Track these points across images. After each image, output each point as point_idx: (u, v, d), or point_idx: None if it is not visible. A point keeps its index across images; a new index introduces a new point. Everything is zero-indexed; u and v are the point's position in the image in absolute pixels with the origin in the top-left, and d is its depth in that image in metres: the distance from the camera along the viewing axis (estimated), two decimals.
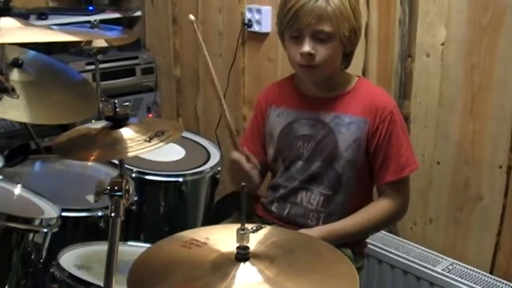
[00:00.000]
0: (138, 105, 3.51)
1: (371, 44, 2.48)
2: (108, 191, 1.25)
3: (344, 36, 1.82)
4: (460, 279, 2.22)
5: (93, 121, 2.58)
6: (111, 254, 1.22)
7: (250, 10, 2.95)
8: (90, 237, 1.99)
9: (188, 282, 1.23)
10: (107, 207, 2.05)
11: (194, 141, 2.69)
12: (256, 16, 2.92)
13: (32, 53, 2.52)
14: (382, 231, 2.49)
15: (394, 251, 2.39)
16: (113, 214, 1.24)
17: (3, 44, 1.64)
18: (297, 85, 2.00)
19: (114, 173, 2.34)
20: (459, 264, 2.30)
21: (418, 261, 2.32)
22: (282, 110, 2.02)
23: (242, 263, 1.25)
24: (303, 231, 1.88)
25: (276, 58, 2.91)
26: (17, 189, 1.80)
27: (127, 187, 1.26)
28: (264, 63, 3.00)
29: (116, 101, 1.29)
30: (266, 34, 2.94)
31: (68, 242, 1.88)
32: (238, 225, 1.25)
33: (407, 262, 2.34)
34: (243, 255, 1.24)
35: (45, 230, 1.56)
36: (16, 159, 2.21)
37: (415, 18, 2.35)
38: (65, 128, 3.21)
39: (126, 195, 1.26)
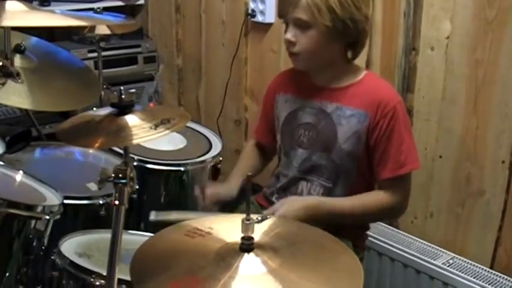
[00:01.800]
0: (139, 94, 3.50)
1: (375, 37, 2.47)
2: (112, 178, 1.24)
3: (326, 26, 1.80)
4: (460, 273, 2.22)
5: (94, 108, 2.57)
6: (114, 242, 1.21)
7: (254, 0, 2.93)
8: (91, 225, 1.98)
9: (192, 272, 1.23)
10: (108, 195, 2.08)
11: (196, 130, 2.67)
12: (260, 6, 2.91)
13: (34, 39, 2.51)
14: (382, 224, 2.49)
15: (394, 244, 2.39)
16: (117, 202, 1.23)
17: (9, 28, 1.62)
18: (306, 74, 1.99)
19: (115, 160, 2.37)
20: (459, 259, 2.30)
21: (418, 255, 2.32)
22: (289, 97, 2.02)
23: (246, 254, 1.24)
24: (292, 198, 1.91)
25: (279, 49, 2.90)
26: (19, 176, 1.79)
27: (131, 175, 1.25)
28: (267, 53, 2.99)
29: (121, 88, 1.28)
30: (270, 24, 2.93)
31: (68, 229, 1.87)
32: (243, 215, 1.25)
33: (407, 255, 2.34)
34: (247, 245, 1.24)
35: (47, 217, 1.54)
36: (17, 145, 2.19)
37: (419, 11, 2.34)
38: (65, 115, 3.21)
39: (131, 183, 1.25)
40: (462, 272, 2.22)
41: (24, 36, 2.48)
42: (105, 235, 1.94)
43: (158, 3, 3.58)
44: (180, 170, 2.40)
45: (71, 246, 1.69)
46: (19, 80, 1.27)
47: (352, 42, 1.88)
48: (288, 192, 2.01)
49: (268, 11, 2.89)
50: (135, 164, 2.34)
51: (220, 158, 2.55)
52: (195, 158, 2.47)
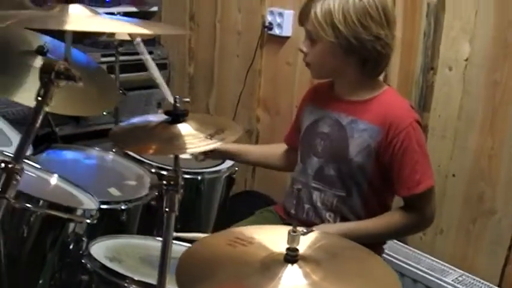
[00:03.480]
0: (149, 100, 3.52)
1: (394, 54, 2.50)
2: (165, 185, 1.26)
3: (330, 42, 1.83)
4: None
5: (104, 113, 2.59)
6: (165, 249, 1.23)
7: (271, 13, 2.98)
8: (111, 231, 1.99)
9: (237, 279, 1.25)
10: (129, 201, 2.10)
11: None
12: (278, 19, 2.94)
13: (53, 41, 2.53)
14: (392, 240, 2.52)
15: (404, 260, 2.42)
16: (167, 209, 1.26)
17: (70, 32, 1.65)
18: (332, 86, 2.03)
19: (134, 166, 2.39)
20: (468, 276, 2.34)
21: (428, 271, 2.35)
22: (313, 108, 2.06)
23: (290, 265, 1.27)
24: (323, 226, 1.92)
25: (295, 61, 2.94)
26: (54, 179, 1.80)
27: (182, 182, 1.27)
28: (282, 66, 3.03)
29: (177, 96, 1.30)
30: (287, 38, 2.97)
31: (90, 235, 1.89)
32: (284, 227, 1.28)
33: (416, 271, 2.37)
34: (292, 256, 1.26)
35: (88, 221, 1.55)
36: (40, 147, 2.21)
37: (439, 31, 2.39)
38: (76, 118, 3.23)
39: (181, 191, 1.27)
40: None
41: (41, 36, 2.50)
42: (132, 240, 1.98)
43: (172, 11, 3.60)
44: (197, 179, 2.44)
45: (100, 250, 1.70)
46: (80, 83, 1.28)
47: (364, 60, 1.89)
48: (304, 203, 2.02)
49: (285, 25, 2.93)
50: (153, 170, 2.38)
51: (236, 168, 2.59)
52: (211, 167, 2.51)
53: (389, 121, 1.86)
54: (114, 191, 2.16)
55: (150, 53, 3.49)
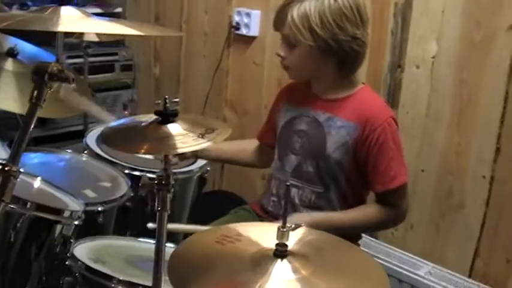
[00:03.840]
0: (115, 101, 3.50)
1: None
2: (156, 186, 1.27)
3: (309, 45, 1.86)
4: (441, 282, 2.31)
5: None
6: (158, 248, 1.24)
7: (239, 13, 2.99)
8: (88, 232, 1.98)
9: (230, 276, 1.26)
10: (105, 202, 2.09)
11: None
12: (245, 19, 2.96)
13: (23, 43, 2.50)
14: (364, 235, 2.56)
15: (375, 254, 2.46)
16: (159, 208, 1.26)
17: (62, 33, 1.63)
18: (309, 84, 2.05)
19: (107, 168, 2.38)
20: (439, 269, 2.39)
21: (400, 265, 2.40)
22: (290, 106, 2.08)
23: (280, 260, 1.29)
24: (297, 215, 1.93)
25: (262, 62, 2.97)
26: (37, 182, 1.78)
27: (173, 182, 1.28)
28: (249, 66, 3.05)
29: (166, 96, 1.31)
30: (253, 38, 2.99)
31: None
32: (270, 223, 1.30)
33: (389, 265, 2.41)
34: (281, 252, 1.28)
35: (76, 223, 1.53)
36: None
37: (406, 30, 2.44)
38: (42, 120, 3.18)
39: (172, 190, 1.28)
40: (443, 281, 2.32)
41: (9, 38, 2.47)
42: (112, 241, 1.97)
43: (137, 12, 3.58)
44: None
45: (83, 251, 1.69)
46: (73, 85, 1.27)
47: (342, 60, 1.92)
48: (281, 199, 2.05)
49: (253, 25, 2.95)
50: (126, 171, 2.37)
51: (208, 168, 2.59)
52: (182, 168, 2.51)
53: (366, 118, 1.90)
54: (89, 193, 2.14)
55: (115, 54, 3.50)
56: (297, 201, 2.01)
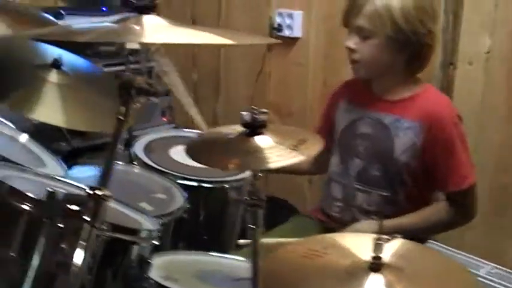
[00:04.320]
0: (153, 109, 3.46)
1: None
2: (247, 201, 1.22)
3: (387, 36, 1.83)
4: (502, 282, 2.27)
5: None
6: (255, 264, 1.19)
7: (280, 14, 2.95)
8: None
9: None
10: (163, 215, 2.04)
11: None
12: (287, 21, 2.92)
13: (68, 54, 2.46)
14: None
15: None
16: (252, 225, 1.22)
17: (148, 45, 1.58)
18: (368, 84, 2.01)
19: (158, 178, 2.33)
20: (500, 269, 2.34)
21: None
22: (349, 107, 2.04)
23: (374, 273, 1.25)
24: (368, 222, 1.91)
25: (307, 63, 2.92)
26: None
27: (264, 197, 1.23)
28: (292, 68, 3.01)
29: (254, 107, 1.26)
30: (297, 39, 2.94)
31: None
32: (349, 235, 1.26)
33: None
34: (376, 265, 1.24)
35: (155, 242, 1.48)
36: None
37: (458, 27, 2.39)
38: (81, 133, 3.13)
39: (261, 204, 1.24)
40: (503, 281, 2.27)
41: (53, 49, 2.43)
42: (177, 256, 1.92)
43: (171, 16, 3.53)
44: (225, 187, 2.39)
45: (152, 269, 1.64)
46: (157, 100, 1.22)
47: (414, 55, 1.89)
48: (347, 204, 2.01)
49: (296, 26, 2.90)
50: (178, 181, 2.32)
51: (260, 175, 2.55)
52: (236, 175, 2.46)
53: (434, 118, 1.87)
54: (146, 206, 2.10)
55: (149, 60, 3.45)
56: (365, 206, 1.97)
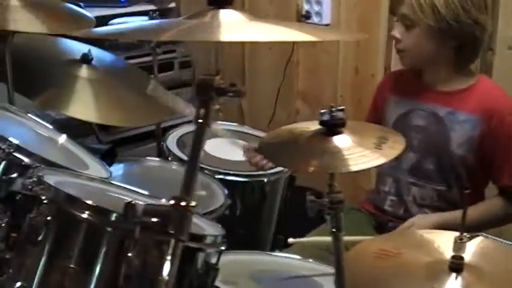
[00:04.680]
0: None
1: None
2: (329, 205, 1.16)
3: (429, 25, 1.79)
4: None
5: None
6: (339, 268, 1.14)
7: (308, 1, 2.90)
8: None
9: None
10: (206, 214, 1.98)
11: (257, 136, 2.59)
12: (316, 7, 2.87)
13: (96, 49, 2.41)
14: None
15: None
16: (334, 230, 1.17)
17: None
18: (417, 75, 1.97)
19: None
20: None
21: None
22: (399, 99, 2.01)
23: (455, 274, 1.20)
24: (423, 216, 1.88)
25: (336, 50, 2.86)
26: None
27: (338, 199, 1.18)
28: (322, 56, 2.95)
29: (332, 104, 1.20)
30: (326, 26, 2.87)
31: None
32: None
33: None
34: (457, 265, 1.20)
35: (223, 248, 1.42)
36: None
37: (496, 11, 2.33)
38: (105, 127, 3.07)
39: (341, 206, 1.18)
40: None
41: (80, 44, 2.37)
42: (227, 257, 1.86)
43: (191, 6, 3.46)
44: (263, 181, 2.34)
45: None
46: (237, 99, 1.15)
47: (462, 46, 1.85)
48: (400, 198, 1.99)
49: (324, 12, 2.85)
50: (216, 176, 2.27)
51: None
52: (273, 168, 2.41)
53: (490, 110, 1.84)
54: None
55: (173, 51, 3.39)
56: (419, 200, 1.94)
